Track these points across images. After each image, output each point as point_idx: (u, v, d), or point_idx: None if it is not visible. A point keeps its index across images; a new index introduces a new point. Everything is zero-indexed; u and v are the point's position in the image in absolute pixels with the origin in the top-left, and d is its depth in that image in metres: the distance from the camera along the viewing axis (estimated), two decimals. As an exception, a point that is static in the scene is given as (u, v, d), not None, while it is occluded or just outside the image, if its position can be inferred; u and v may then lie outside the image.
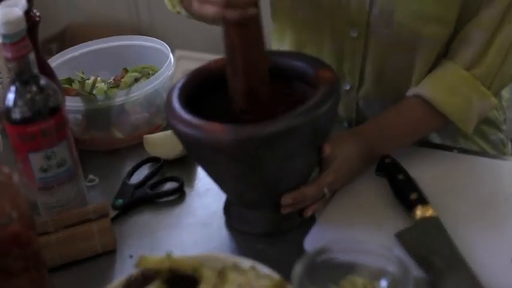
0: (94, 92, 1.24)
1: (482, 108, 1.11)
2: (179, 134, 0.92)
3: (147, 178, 1.14)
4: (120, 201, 1.10)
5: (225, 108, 0.99)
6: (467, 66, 1.09)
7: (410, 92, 1.12)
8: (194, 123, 0.90)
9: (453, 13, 1.10)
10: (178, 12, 1.22)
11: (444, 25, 1.11)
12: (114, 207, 1.09)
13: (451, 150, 1.16)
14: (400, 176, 1.04)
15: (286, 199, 0.98)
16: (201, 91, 1.01)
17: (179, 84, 0.99)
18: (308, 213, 1.01)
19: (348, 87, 1.20)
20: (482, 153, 1.20)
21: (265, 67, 0.96)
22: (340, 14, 1.13)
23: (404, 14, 1.09)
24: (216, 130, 0.88)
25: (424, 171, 1.08)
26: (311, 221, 1.02)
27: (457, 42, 1.11)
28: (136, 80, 1.30)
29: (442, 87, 1.10)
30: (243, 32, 0.90)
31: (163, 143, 1.19)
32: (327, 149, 0.96)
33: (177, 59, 2.86)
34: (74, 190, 1.03)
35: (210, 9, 0.86)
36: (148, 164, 1.19)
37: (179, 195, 1.12)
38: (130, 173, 1.16)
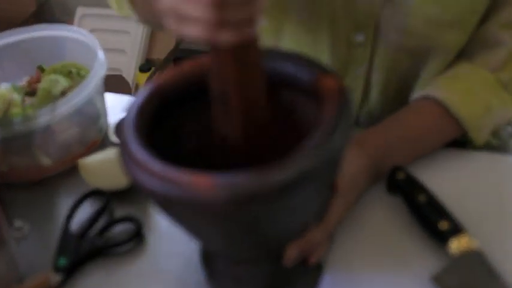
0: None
1: (501, 117, 0.94)
2: (145, 190, 0.67)
3: (93, 221, 0.89)
4: (63, 260, 0.85)
5: (196, 127, 0.77)
6: (491, 68, 0.91)
7: (419, 93, 0.92)
8: (167, 176, 0.65)
9: (477, 17, 0.92)
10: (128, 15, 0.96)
11: (464, 31, 0.93)
12: (57, 269, 0.84)
13: (464, 146, 0.96)
14: (422, 198, 0.83)
15: (293, 251, 0.76)
16: (165, 108, 0.77)
17: (133, 113, 0.73)
18: (313, 260, 0.79)
19: None
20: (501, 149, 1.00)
21: (264, 96, 0.72)
22: (344, 14, 0.91)
23: (421, 19, 0.90)
24: (201, 186, 0.64)
25: (434, 173, 0.89)
26: (317, 269, 0.81)
27: (475, 43, 0.93)
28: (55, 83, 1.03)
29: (458, 89, 0.92)
30: (240, 58, 0.66)
31: (104, 169, 0.94)
32: (340, 185, 0.74)
33: (79, 19, 2.56)
34: (1, 263, 0.77)
35: (194, 31, 0.61)
36: (91, 199, 0.93)
37: (137, 241, 0.88)
38: (70, 215, 0.90)
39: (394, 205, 0.86)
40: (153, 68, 2.40)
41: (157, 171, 0.66)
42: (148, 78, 2.34)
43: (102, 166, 0.94)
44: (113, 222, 0.89)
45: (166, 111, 0.77)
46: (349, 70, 0.98)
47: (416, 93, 0.93)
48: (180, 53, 2.49)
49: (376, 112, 1.02)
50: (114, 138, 1.03)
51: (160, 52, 2.47)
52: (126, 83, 2.31)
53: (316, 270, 0.81)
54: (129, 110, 0.74)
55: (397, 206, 0.86)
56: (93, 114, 1.00)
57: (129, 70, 2.41)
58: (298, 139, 0.78)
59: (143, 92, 0.76)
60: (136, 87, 2.35)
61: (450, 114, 0.90)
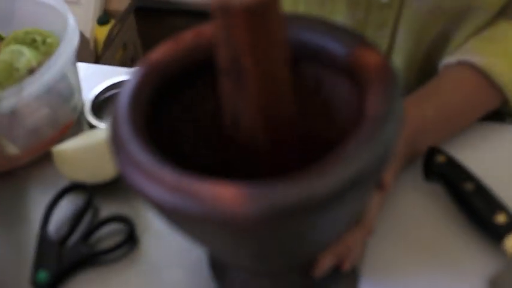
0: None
1: None
2: (154, 204, 0.54)
3: (74, 223, 0.76)
4: (43, 274, 0.71)
5: (202, 113, 0.65)
6: None
7: (451, 58, 0.79)
8: (183, 186, 0.51)
9: None
10: None
11: None
12: (36, 285, 0.71)
13: (504, 119, 0.84)
14: (469, 186, 0.71)
15: (326, 260, 0.64)
16: (164, 92, 0.63)
17: (126, 100, 0.59)
18: (347, 266, 0.67)
19: None
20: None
21: (287, 70, 0.58)
22: None
23: None
24: (227, 199, 0.50)
25: (471, 152, 0.77)
26: (352, 275, 0.69)
27: None
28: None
29: (497, 51, 0.79)
30: (257, 22, 0.52)
31: (84, 158, 0.80)
32: (388, 183, 0.61)
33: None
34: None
35: None
36: (70, 196, 0.79)
37: (130, 245, 0.75)
38: (46, 217, 0.76)
39: (434, 194, 0.74)
40: (112, 20, 2.23)
41: (169, 181, 0.52)
42: (109, 32, 2.17)
43: (81, 154, 0.80)
44: (99, 223, 0.76)
45: (165, 95, 0.63)
46: (368, 34, 0.85)
47: (448, 58, 0.81)
48: (141, 3, 2.32)
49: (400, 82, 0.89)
50: (91, 117, 0.88)
51: (120, 2, 2.29)
52: (84, 38, 2.14)
53: (352, 276, 0.69)
54: (121, 97, 0.60)
55: (437, 195, 0.74)
56: (66, 91, 0.86)
57: (86, 23, 2.23)
58: (328, 126, 0.66)
59: (136, 72, 0.62)
60: (96, 42, 2.18)
61: (490, 81, 0.78)
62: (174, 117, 0.64)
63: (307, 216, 0.51)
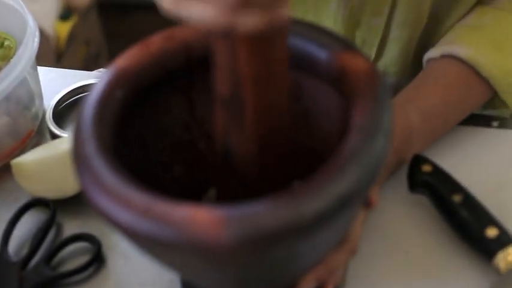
0: None
1: None
2: (120, 229, 0.50)
3: (37, 242, 0.71)
4: (2, 300, 0.67)
5: (176, 125, 0.61)
6: None
7: (436, 51, 0.76)
8: (154, 209, 0.47)
9: None
10: None
11: None
12: (-5, 312, 0.66)
13: (489, 123, 0.81)
14: (457, 198, 0.68)
15: (308, 283, 0.60)
16: (132, 102, 0.59)
17: (91, 112, 0.55)
18: (330, 287, 0.63)
19: None
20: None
21: (286, 100, 0.54)
22: None
23: None
24: (203, 224, 0.46)
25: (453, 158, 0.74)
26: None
27: None
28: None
29: (485, 42, 0.76)
30: (264, 52, 0.48)
31: (45, 170, 0.75)
32: (375, 200, 0.58)
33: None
34: None
35: (203, 12, 0.42)
36: (31, 212, 0.75)
37: (97, 265, 0.71)
38: (6, 237, 0.72)
39: (420, 207, 0.71)
40: (74, 16, 2.17)
41: (138, 204, 0.48)
42: (71, 29, 2.11)
43: (42, 166, 0.75)
44: (62, 242, 0.71)
45: (133, 105, 0.59)
46: (364, 19, 0.81)
47: (432, 51, 0.77)
48: (105, -2, 2.27)
49: (392, 72, 0.85)
50: (53, 126, 0.83)
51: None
52: (45, 35, 2.08)
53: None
54: (85, 109, 0.55)
55: (423, 207, 0.71)
56: (26, 98, 0.81)
57: (46, 19, 2.16)
58: (310, 134, 0.62)
59: (101, 81, 0.57)
60: (57, 39, 2.12)
61: (477, 74, 0.74)
62: (143, 128, 0.61)
63: (292, 241, 0.47)
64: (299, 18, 0.59)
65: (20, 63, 0.76)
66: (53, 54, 2.06)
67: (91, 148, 0.52)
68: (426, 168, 0.70)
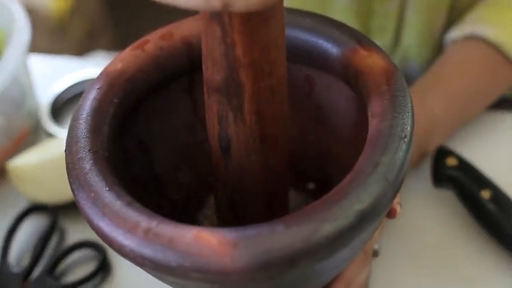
0: None
1: None
2: (123, 253, 0.48)
3: (39, 251, 0.70)
4: (5, 316, 0.66)
5: (178, 127, 0.60)
6: None
7: (458, 32, 0.73)
8: (159, 233, 0.46)
9: None
10: None
11: None
12: (-3, 330, 0.65)
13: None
14: (486, 194, 0.66)
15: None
16: (129, 108, 0.57)
17: (85, 122, 0.53)
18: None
19: None
20: None
21: (286, 90, 0.52)
22: None
23: None
24: (212, 248, 0.45)
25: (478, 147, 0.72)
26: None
27: None
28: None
29: (506, 20, 0.72)
30: (257, 33, 0.46)
31: (44, 175, 0.74)
32: (398, 209, 0.56)
33: None
34: None
35: None
36: (30, 218, 0.73)
37: (103, 274, 0.69)
38: (6, 246, 0.70)
39: (445, 203, 0.69)
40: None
41: (142, 227, 0.46)
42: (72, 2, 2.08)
43: (41, 170, 0.74)
44: (65, 250, 0.70)
45: (130, 111, 0.57)
46: (376, 5, 0.78)
47: (454, 32, 0.75)
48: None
49: (412, 58, 0.83)
50: (49, 124, 0.82)
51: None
52: (43, 11, 2.05)
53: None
54: (78, 121, 0.53)
55: (449, 203, 0.69)
56: (18, 95, 0.79)
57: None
58: (322, 132, 0.60)
59: (94, 87, 0.55)
60: (58, 14, 2.09)
61: (504, 55, 0.72)
62: (144, 134, 0.59)
63: (307, 263, 0.45)
64: (309, 10, 0.57)
65: (10, 60, 0.74)
66: (52, 31, 2.04)
67: (87, 165, 0.50)
68: (451, 161, 0.68)
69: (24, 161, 0.74)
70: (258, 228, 0.45)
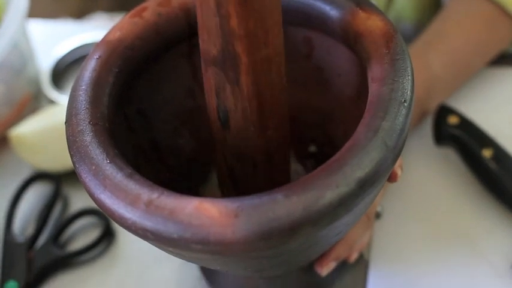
0: None
1: None
2: (126, 225, 0.48)
3: (43, 219, 0.70)
4: (13, 284, 0.66)
5: (179, 92, 0.60)
6: None
7: None
8: (160, 205, 0.46)
9: None
10: None
11: None
12: (5, 298, 0.66)
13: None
14: (487, 153, 0.66)
15: (330, 262, 0.59)
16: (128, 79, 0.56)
17: (85, 95, 0.53)
18: (354, 257, 0.62)
19: None
20: None
21: (283, 60, 0.52)
22: None
23: None
24: (211, 218, 0.45)
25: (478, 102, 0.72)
26: (360, 264, 0.64)
27: None
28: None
29: None
30: (252, 3, 0.45)
31: (47, 142, 0.74)
32: (398, 173, 0.56)
33: None
34: None
35: None
36: (34, 186, 0.74)
37: (107, 241, 0.70)
38: (10, 215, 0.71)
39: (447, 161, 0.69)
40: None
41: (142, 199, 0.46)
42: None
43: (44, 137, 0.74)
44: (69, 218, 0.71)
45: (130, 78, 0.56)
46: None
47: None
48: None
49: (405, 17, 0.82)
50: (50, 90, 0.82)
51: None
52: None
53: (360, 264, 0.65)
54: (77, 92, 0.53)
55: (450, 162, 0.69)
56: (18, 61, 0.79)
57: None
58: (322, 93, 0.60)
59: (93, 57, 0.55)
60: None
61: (504, 11, 0.71)
62: (144, 102, 0.59)
63: (308, 232, 0.46)
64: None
65: (10, 27, 0.74)
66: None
67: (87, 137, 0.50)
68: (453, 120, 0.68)
69: (26, 129, 0.75)
70: (259, 198, 0.44)
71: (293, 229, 0.44)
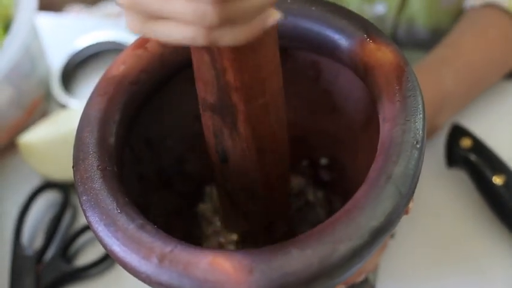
0: None
1: None
2: (139, 277, 0.47)
3: (51, 231, 0.70)
4: (20, 301, 0.67)
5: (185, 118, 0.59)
6: None
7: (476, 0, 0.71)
8: (174, 259, 0.45)
9: None
10: None
11: None
12: (13, 313, 0.66)
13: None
14: (499, 180, 0.65)
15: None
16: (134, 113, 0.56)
17: (93, 136, 0.52)
18: (360, 277, 0.62)
19: (382, 11, 0.78)
20: None
21: (282, 103, 0.51)
22: None
23: None
24: (226, 274, 0.44)
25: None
26: (365, 286, 0.65)
27: None
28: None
29: None
30: (247, 58, 0.45)
31: (56, 151, 0.74)
32: (410, 206, 0.55)
33: None
34: None
35: (179, 33, 0.39)
36: (43, 196, 0.73)
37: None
38: (18, 227, 0.71)
39: (459, 184, 0.69)
40: None
41: (156, 251, 0.46)
42: None
43: (53, 146, 0.74)
44: (79, 229, 0.71)
45: (137, 111, 0.56)
46: None
47: (469, 0, 0.73)
48: None
49: (419, 18, 0.81)
50: (60, 94, 0.81)
51: None
52: None
53: (365, 286, 0.65)
54: (83, 130, 0.53)
55: (462, 185, 0.69)
56: (28, 63, 0.78)
57: None
58: (331, 118, 0.59)
59: (99, 91, 0.54)
60: None
61: None
62: (150, 131, 0.58)
63: (326, 282, 0.46)
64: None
65: (21, 29, 0.73)
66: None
67: (97, 185, 0.50)
68: (466, 142, 0.67)
69: (34, 137, 0.75)
70: (272, 252, 0.44)
71: (309, 282, 0.44)
